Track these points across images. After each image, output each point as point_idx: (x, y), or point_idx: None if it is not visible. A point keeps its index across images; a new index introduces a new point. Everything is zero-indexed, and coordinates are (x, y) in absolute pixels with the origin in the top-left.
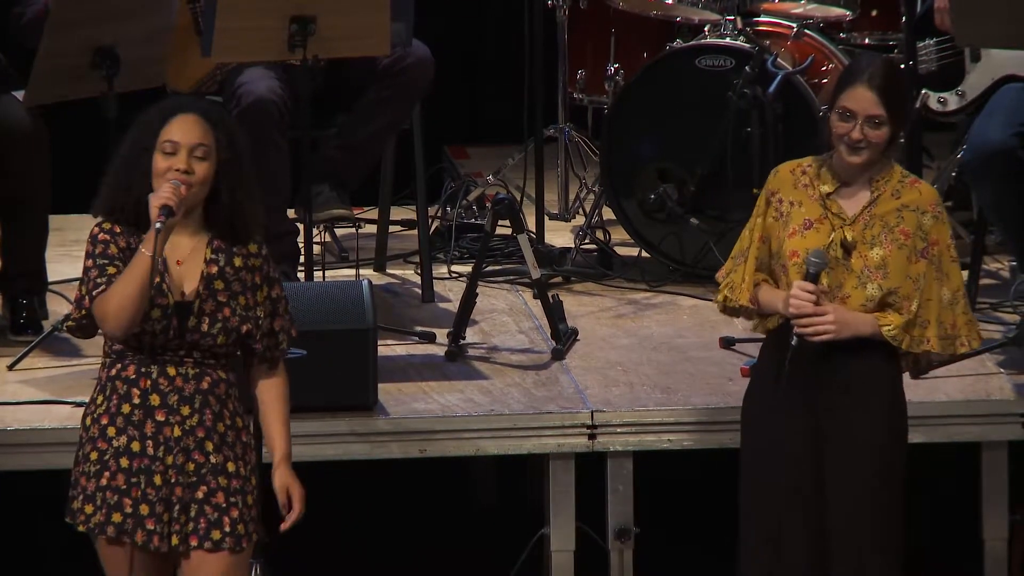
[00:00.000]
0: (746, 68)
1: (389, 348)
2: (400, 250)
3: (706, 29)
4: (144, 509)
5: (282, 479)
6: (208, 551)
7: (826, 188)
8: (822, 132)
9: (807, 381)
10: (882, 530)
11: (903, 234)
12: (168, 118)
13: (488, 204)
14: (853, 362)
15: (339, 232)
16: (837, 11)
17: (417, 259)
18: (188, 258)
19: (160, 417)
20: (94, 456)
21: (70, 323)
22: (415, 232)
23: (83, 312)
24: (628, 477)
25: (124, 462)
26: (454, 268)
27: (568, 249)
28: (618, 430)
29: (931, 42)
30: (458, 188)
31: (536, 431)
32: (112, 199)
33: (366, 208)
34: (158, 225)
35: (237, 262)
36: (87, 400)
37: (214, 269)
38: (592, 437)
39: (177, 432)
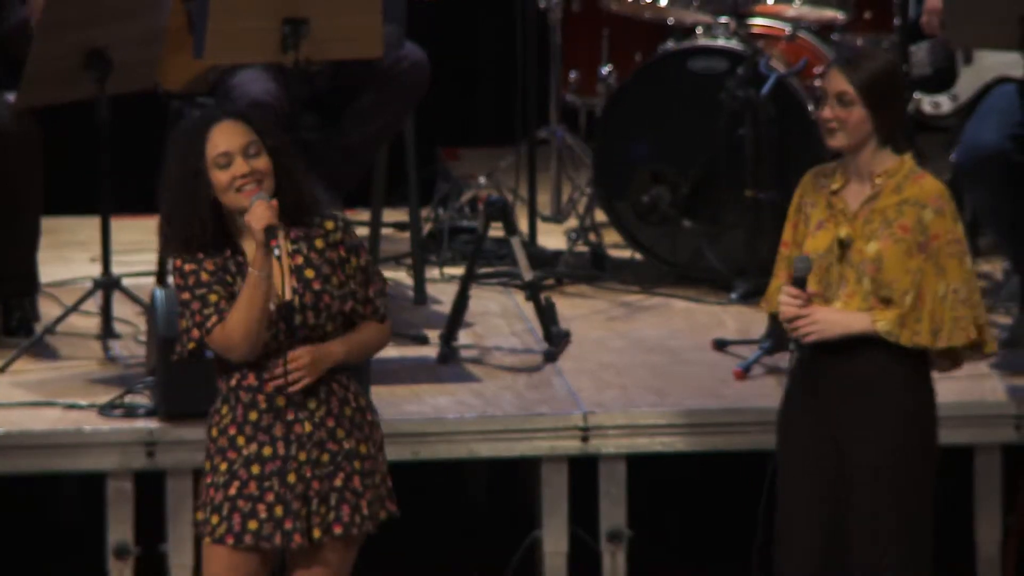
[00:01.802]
0: (739, 70)
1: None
2: (392, 252)
3: (698, 31)
4: (279, 510)
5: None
6: (344, 536)
7: (834, 186)
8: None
9: (827, 386)
10: (903, 539)
11: (901, 228)
12: (206, 134)
13: (480, 206)
14: (861, 364)
15: None
16: (830, 13)
17: (409, 261)
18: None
19: (289, 416)
20: (223, 467)
21: (175, 356)
22: (407, 234)
23: (193, 344)
24: (621, 480)
25: (255, 469)
26: (446, 270)
27: (561, 251)
28: (611, 433)
29: (925, 44)
30: (451, 190)
31: (528, 434)
32: (184, 233)
33: (358, 210)
34: (276, 252)
35: (319, 244)
36: (77, 402)
37: (300, 260)
38: (585, 440)
39: (308, 428)
